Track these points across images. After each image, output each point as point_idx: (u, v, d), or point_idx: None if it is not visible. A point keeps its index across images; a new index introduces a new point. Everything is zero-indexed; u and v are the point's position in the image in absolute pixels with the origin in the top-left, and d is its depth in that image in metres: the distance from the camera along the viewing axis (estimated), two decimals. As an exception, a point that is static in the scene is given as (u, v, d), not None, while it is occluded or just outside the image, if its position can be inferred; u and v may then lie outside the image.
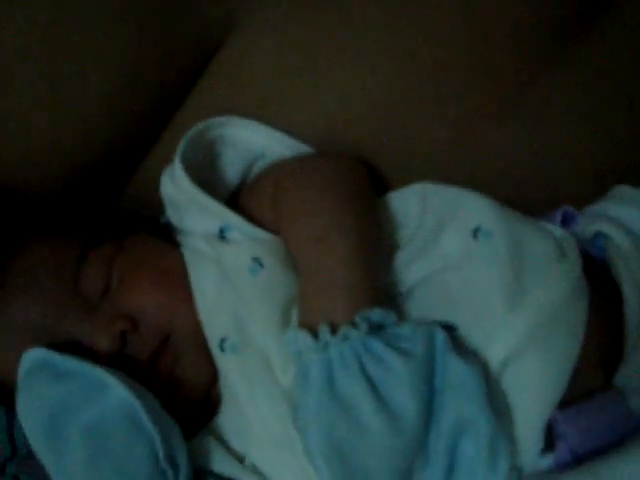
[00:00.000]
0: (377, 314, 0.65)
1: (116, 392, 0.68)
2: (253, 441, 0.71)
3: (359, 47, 0.74)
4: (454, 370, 0.65)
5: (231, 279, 0.73)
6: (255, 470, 0.72)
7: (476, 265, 0.71)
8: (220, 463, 0.72)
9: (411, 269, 0.73)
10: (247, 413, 0.71)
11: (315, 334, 0.65)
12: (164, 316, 0.74)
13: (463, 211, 0.73)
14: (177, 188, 0.76)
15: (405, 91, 0.74)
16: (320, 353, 0.65)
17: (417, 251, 0.73)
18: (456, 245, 0.72)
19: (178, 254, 0.78)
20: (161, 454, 0.67)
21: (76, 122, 0.76)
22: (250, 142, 0.78)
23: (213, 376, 0.74)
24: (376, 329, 0.65)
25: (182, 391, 0.74)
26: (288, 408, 0.69)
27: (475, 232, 0.72)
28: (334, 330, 0.65)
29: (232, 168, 0.80)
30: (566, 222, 0.78)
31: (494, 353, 0.68)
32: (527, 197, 0.77)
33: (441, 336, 0.66)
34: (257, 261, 0.72)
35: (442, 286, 0.71)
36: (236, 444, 0.73)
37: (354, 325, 0.65)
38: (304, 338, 0.65)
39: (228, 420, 0.74)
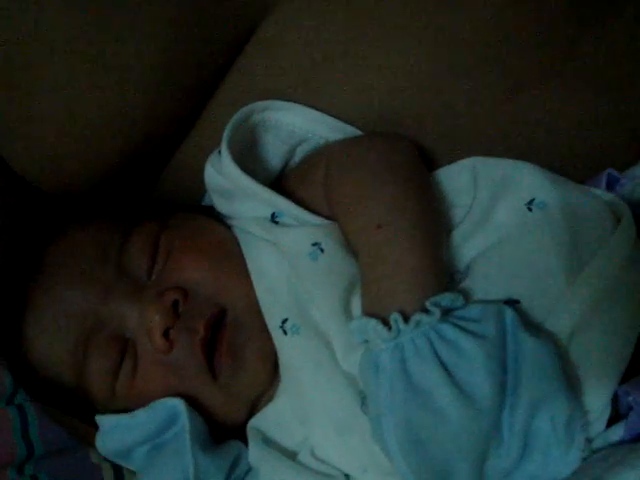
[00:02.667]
0: (447, 298, 0.65)
1: (183, 418, 0.70)
2: (316, 426, 0.71)
3: (401, 25, 0.72)
4: (528, 348, 0.65)
5: (291, 263, 0.72)
6: (310, 462, 0.71)
7: (533, 237, 0.70)
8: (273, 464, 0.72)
9: (467, 246, 0.72)
10: (310, 397, 0.70)
11: (384, 322, 0.64)
12: (217, 287, 0.73)
13: (516, 184, 0.73)
14: (224, 176, 0.75)
15: (448, 67, 0.73)
16: (390, 342, 0.64)
17: (472, 227, 0.72)
18: (511, 218, 0.72)
19: (230, 232, 0.77)
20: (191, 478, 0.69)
21: (117, 108, 0.74)
22: (293, 125, 0.77)
23: (275, 357, 0.73)
24: (445, 313, 0.64)
25: (249, 370, 0.73)
26: (352, 393, 0.69)
27: (530, 204, 0.72)
28: (405, 317, 0.64)
29: (275, 153, 0.78)
30: (610, 186, 0.78)
31: (560, 326, 0.67)
32: (570, 164, 0.77)
33: (510, 314, 0.66)
34: (317, 246, 0.71)
35: (500, 260, 0.70)
36: (297, 429, 0.72)
37: (425, 311, 0.64)
38: (374, 327, 0.64)
39: (288, 405, 0.73)
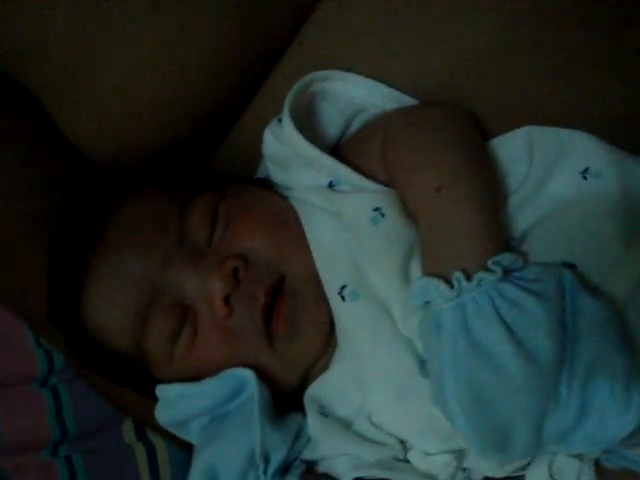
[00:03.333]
0: (507, 258, 0.65)
1: (251, 387, 0.70)
2: (375, 391, 0.71)
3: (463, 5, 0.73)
4: (586, 309, 0.65)
5: (350, 229, 0.72)
6: (368, 429, 0.71)
7: (589, 204, 0.70)
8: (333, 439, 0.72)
9: (523, 213, 0.72)
10: (369, 363, 0.70)
11: (446, 282, 0.65)
12: (276, 255, 0.73)
13: (571, 152, 0.73)
14: (283, 144, 0.75)
15: (507, 42, 0.73)
16: (452, 301, 0.64)
17: (528, 195, 0.72)
18: (566, 187, 0.71)
19: (287, 202, 0.78)
20: (258, 450, 0.69)
21: (181, 81, 0.75)
22: (352, 96, 0.76)
23: (331, 324, 0.73)
24: (506, 274, 0.65)
25: (304, 338, 0.72)
26: (411, 358, 0.69)
27: (584, 173, 0.71)
28: (467, 277, 0.64)
29: (332, 122, 0.78)
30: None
31: (616, 291, 0.67)
32: (623, 136, 0.75)
33: (569, 276, 0.66)
34: (378, 211, 0.71)
35: (555, 227, 0.70)
36: (355, 396, 0.72)
37: (487, 270, 0.64)
38: (437, 286, 0.65)
39: (346, 371, 0.73)
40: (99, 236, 0.74)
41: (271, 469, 0.70)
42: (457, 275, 0.64)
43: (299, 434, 0.72)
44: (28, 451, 1.04)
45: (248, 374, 0.71)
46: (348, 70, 0.76)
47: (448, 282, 0.64)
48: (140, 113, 0.76)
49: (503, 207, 0.72)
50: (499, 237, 0.67)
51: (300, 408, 0.74)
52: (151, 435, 1.04)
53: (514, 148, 0.75)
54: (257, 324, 0.71)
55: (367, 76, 0.76)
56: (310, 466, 0.73)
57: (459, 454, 0.70)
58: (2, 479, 1.01)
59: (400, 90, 0.75)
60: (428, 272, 0.67)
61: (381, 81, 0.75)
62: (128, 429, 1.04)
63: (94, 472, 1.04)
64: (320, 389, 0.73)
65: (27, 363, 1.03)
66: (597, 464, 0.70)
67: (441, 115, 0.73)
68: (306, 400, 0.73)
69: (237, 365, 0.72)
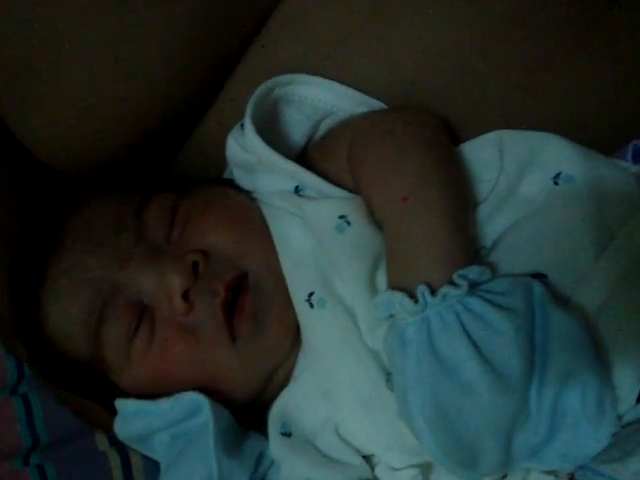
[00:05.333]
0: (474, 271, 0.63)
1: (206, 414, 0.69)
2: (342, 402, 0.69)
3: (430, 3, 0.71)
4: (556, 322, 0.63)
5: (316, 236, 0.71)
6: (332, 443, 0.70)
7: (560, 211, 0.69)
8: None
9: (494, 221, 0.71)
10: (335, 373, 0.69)
11: (410, 295, 0.63)
12: (238, 251, 0.72)
13: (542, 157, 0.71)
14: (246, 150, 0.73)
15: (476, 38, 0.71)
16: (416, 315, 0.62)
17: (498, 203, 0.71)
18: (538, 192, 0.70)
19: (253, 203, 0.76)
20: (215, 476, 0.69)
21: (139, 83, 0.73)
22: (318, 100, 0.75)
23: (296, 330, 0.72)
24: (472, 287, 0.63)
25: (269, 337, 0.71)
26: (378, 369, 0.68)
27: (556, 178, 0.70)
28: (432, 291, 0.63)
29: (297, 128, 0.76)
30: (636, 157, 0.75)
31: (588, 300, 0.66)
32: (596, 136, 0.75)
33: (539, 288, 0.64)
34: (344, 219, 0.70)
35: (527, 234, 0.69)
36: (321, 407, 0.71)
37: (453, 285, 0.62)
38: (400, 300, 0.63)
39: (312, 381, 0.71)
40: (56, 240, 0.73)
41: None
42: (421, 289, 0.62)
43: (260, 459, 0.72)
44: (-1, 459, 1.03)
45: (201, 400, 0.70)
46: (312, 72, 0.74)
47: (412, 296, 0.63)
48: (99, 115, 0.74)
49: (473, 216, 0.71)
50: (467, 248, 0.66)
51: (262, 427, 0.73)
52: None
53: (485, 153, 0.73)
54: (218, 321, 0.70)
55: (332, 79, 0.74)
56: None
57: (426, 468, 0.69)
58: (-29, 489, 1.00)
59: (368, 92, 0.74)
60: (392, 284, 0.65)
61: (348, 85, 0.74)
62: (101, 436, 1.03)
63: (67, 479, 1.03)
64: (284, 402, 0.72)
65: (-5, 372, 1.02)
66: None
67: (409, 120, 0.71)
68: (270, 419, 0.72)
69: (197, 366, 0.71)
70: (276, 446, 0.71)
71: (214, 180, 0.82)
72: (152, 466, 1.01)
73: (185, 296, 0.69)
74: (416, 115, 0.72)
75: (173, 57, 0.72)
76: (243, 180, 0.78)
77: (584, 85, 0.74)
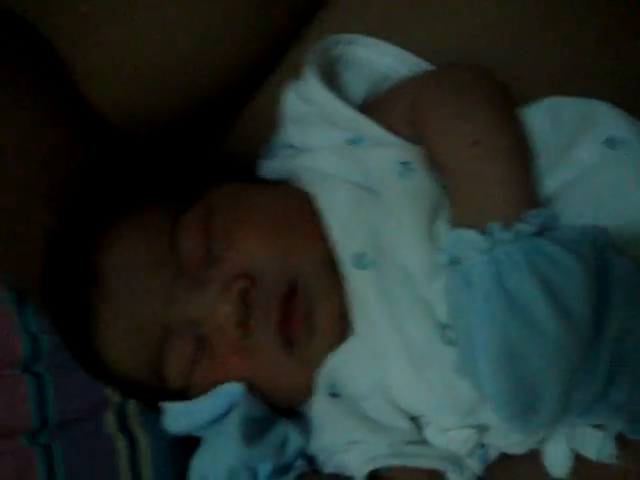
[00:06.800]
0: (544, 213, 0.65)
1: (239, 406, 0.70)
2: (393, 363, 0.69)
3: None
4: (620, 274, 0.65)
5: (374, 185, 0.71)
6: (382, 407, 0.70)
7: (616, 170, 0.70)
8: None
9: (549, 177, 0.71)
10: (386, 332, 0.69)
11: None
12: (282, 258, 0.70)
13: (593, 121, 0.73)
14: (304, 102, 0.74)
15: (534, 16, 0.75)
16: (485, 254, 0.63)
17: (552, 161, 0.72)
18: (592, 155, 0.71)
19: (284, 190, 0.76)
20: (239, 464, 0.69)
21: (213, 43, 0.75)
22: (376, 63, 0.77)
23: (345, 311, 0.71)
24: (541, 231, 0.64)
25: (321, 333, 0.71)
26: (432, 324, 0.68)
27: (609, 141, 0.71)
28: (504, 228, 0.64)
29: (354, 88, 0.77)
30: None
31: None
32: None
33: (603, 237, 0.66)
34: (406, 165, 0.70)
35: (583, 192, 0.70)
36: (372, 371, 0.70)
37: (524, 224, 0.64)
38: (470, 237, 0.64)
39: (362, 345, 0.71)
40: (96, 280, 0.71)
41: (262, 477, 0.69)
42: (493, 225, 0.63)
43: (285, 444, 0.71)
44: (6, 437, 1.03)
45: (238, 389, 0.70)
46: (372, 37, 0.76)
47: (482, 234, 0.64)
48: (166, 72, 0.75)
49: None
50: (535, 193, 0.67)
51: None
52: (133, 427, 1.04)
53: (537, 119, 0.74)
54: (275, 338, 0.69)
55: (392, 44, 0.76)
56: (317, 467, 0.72)
57: (479, 430, 0.69)
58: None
59: (426, 59, 0.76)
60: (460, 224, 0.66)
61: (407, 49, 0.76)
62: (110, 419, 1.04)
63: (73, 460, 1.02)
64: (334, 364, 0.71)
65: (11, 347, 1.02)
66: (619, 435, 0.69)
67: (475, 73, 0.73)
68: (318, 379, 0.72)
69: (256, 378, 0.71)
70: (322, 406, 0.71)
71: (235, 170, 0.82)
72: (160, 452, 1.02)
73: (240, 323, 0.69)
74: (480, 70, 0.74)
75: (245, 19, 0.74)
76: (296, 136, 0.78)
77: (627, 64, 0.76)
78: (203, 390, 0.72)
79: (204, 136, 0.85)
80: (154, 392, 0.75)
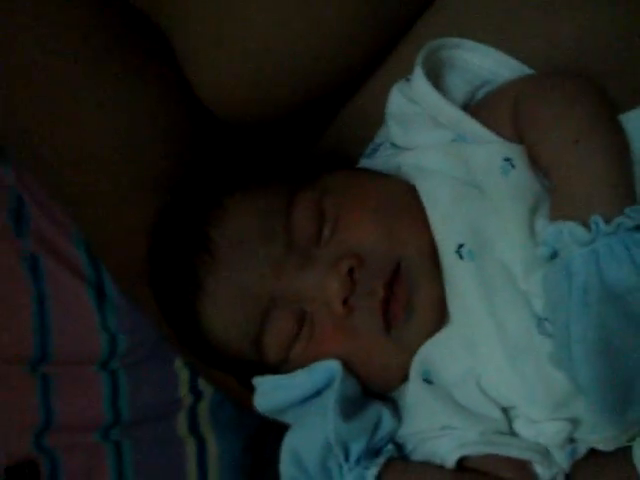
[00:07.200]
0: None
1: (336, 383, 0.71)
2: (487, 352, 0.70)
3: None
4: None
5: (476, 181, 0.73)
6: (474, 394, 0.71)
7: None
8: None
9: None
10: (482, 322, 0.70)
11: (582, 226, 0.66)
12: (389, 241, 0.72)
13: None
14: (410, 101, 0.76)
15: (622, 21, 0.75)
16: (586, 245, 0.65)
17: None
18: None
19: (393, 180, 0.78)
20: (333, 441, 0.69)
21: (314, 43, 0.77)
22: (480, 67, 0.78)
23: (444, 300, 0.73)
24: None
25: (419, 316, 0.72)
26: (529, 314, 0.69)
27: None
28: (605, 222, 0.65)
29: (456, 91, 0.79)
30: None
31: None
32: None
33: None
34: (509, 162, 0.72)
35: None
36: (465, 359, 0.72)
37: (624, 217, 0.65)
38: (572, 229, 0.65)
39: (457, 333, 0.72)
40: (207, 249, 0.74)
41: (353, 457, 0.69)
42: (595, 218, 0.65)
43: (378, 425, 0.72)
44: (79, 431, 1.04)
45: (335, 366, 0.71)
46: (475, 41, 0.78)
47: (584, 226, 0.65)
48: (275, 62, 0.77)
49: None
50: (633, 190, 0.68)
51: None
52: (204, 430, 1.05)
53: (635, 126, 0.74)
54: (377, 319, 0.71)
55: (496, 48, 0.78)
56: (405, 454, 0.72)
57: (570, 424, 0.69)
58: (50, 457, 1.02)
59: (527, 64, 0.77)
60: (561, 218, 0.67)
61: (509, 54, 0.77)
62: (181, 422, 1.05)
63: (142, 459, 1.04)
64: (428, 350, 0.73)
65: (90, 344, 1.03)
66: None
67: (577, 79, 0.74)
68: (413, 364, 0.73)
69: (352, 356, 0.72)
70: (416, 391, 0.72)
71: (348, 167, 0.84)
72: (228, 456, 1.03)
73: (344, 300, 0.71)
74: (578, 77, 0.75)
75: (347, 22, 0.76)
76: (400, 135, 0.79)
77: None
78: (298, 366, 0.74)
79: (305, 128, 0.88)
80: (249, 367, 0.76)
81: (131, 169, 0.83)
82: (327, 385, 0.72)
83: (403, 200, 0.75)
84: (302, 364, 0.73)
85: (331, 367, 0.71)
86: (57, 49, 0.79)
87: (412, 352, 0.73)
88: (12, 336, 1.03)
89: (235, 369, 0.80)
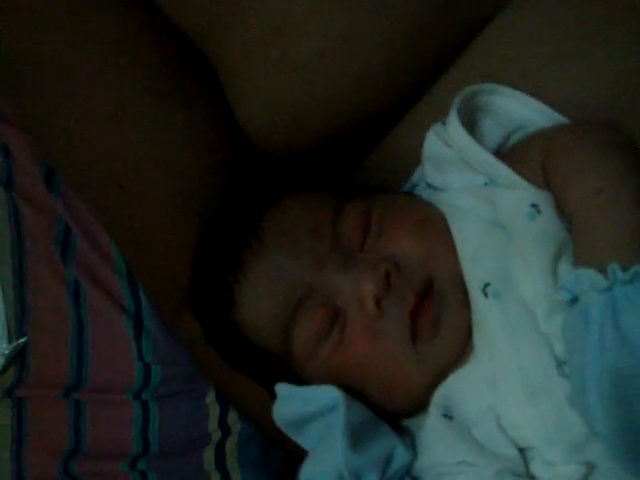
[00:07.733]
0: None
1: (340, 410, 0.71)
2: (507, 390, 0.71)
3: (626, 28, 0.77)
4: None
5: (504, 223, 0.75)
6: (492, 432, 0.71)
7: None
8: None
9: None
10: (505, 361, 0.71)
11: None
12: (426, 258, 0.75)
13: None
14: (445, 145, 0.79)
15: None
16: (604, 292, 0.65)
17: None
18: None
19: (434, 207, 0.81)
20: (345, 474, 0.69)
21: (363, 69, 0.79)
22: (514, 113, 0.80)
23: (469, 330, 0.74)
24: None
25: (444, 340, 0.74)
26: (549, 356, 0.70)
27: None
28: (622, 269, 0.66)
29: (490, 136, 0.81)
30: None
31: None
32: None
33: None
34: (535, 207, 0.73)
35: None
36: (486, 395, 0.72)
37: None
38: (590, 276, 0.66)
39: (479, 368, 0.73)
40: (256, 234, 0.77)
41: None
42: (613, 266, 0.65)
43: (392, 456, 0.72)
44: (107, 459, 1.05)
45: (336, 394, 0.72)
46: (510, 86, 0.80)
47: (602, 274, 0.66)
48: (315, 93, 0.80)
49: None
50: None
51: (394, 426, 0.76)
52: (230, 466, 1.05)
53: None
54: (404, 324, 0.73)
55: (530, 94, 0.79)
56: None
57: (588, 468, 0.69)
58: (76, 484, 1.03)
59: (560, 112, 0.79)
60: (581, 265, 0.68)
61: (541, 101, 0.79)
62: (208, 456, 1.05)
63: (167, 492, 1.05)
64: (450, 386, 0.74)
65: (125, 373, 1.05)
66: None
67: (606, 129, 0.76)
68: (433, 399, 0.74)
69: (375, 365, 0.74)
70: (434, 425, 0.73)
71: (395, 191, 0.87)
72: (252, 495, 1.02)
73: (377, 302, 0.73)
74: (608, 127, 0.76)
75: (391, 56, 0.79)
76: (434, 176, 0.82)
77: None
78: (323, 372, 0.75)
79: (340, 159, 0.90)
80: (274, 367, 0.77)
81: (177, 198, 0.86)
82: (329, 408, 0.72)
83: (442, 226, 0.78)
84: (327, 369, 0.75)
85: (332, 393, 0.72)
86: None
87: (431, 374, 0.74)
88: (49, 360, 1.05)
89: (259, 370, 0.80)
